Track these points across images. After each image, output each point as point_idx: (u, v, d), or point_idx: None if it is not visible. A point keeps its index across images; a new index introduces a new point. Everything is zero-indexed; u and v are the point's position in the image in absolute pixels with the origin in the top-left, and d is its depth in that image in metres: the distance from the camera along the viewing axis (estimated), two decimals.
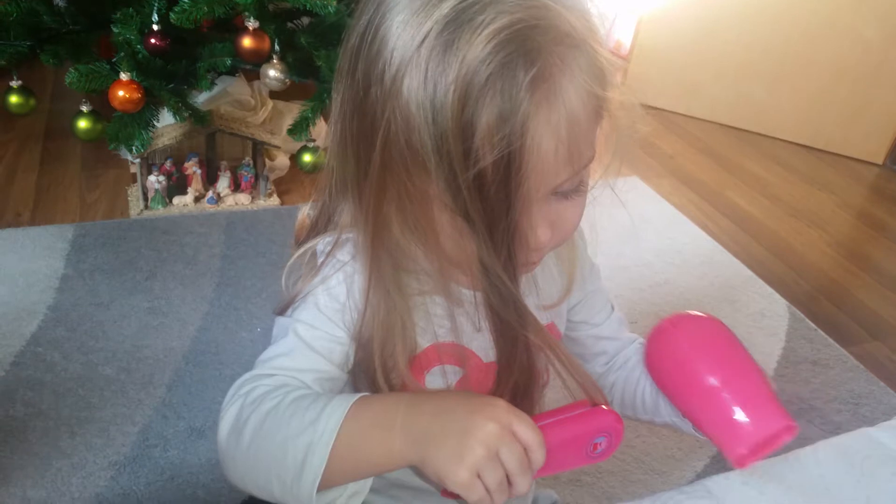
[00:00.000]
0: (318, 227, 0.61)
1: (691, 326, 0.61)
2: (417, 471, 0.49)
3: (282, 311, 0.61)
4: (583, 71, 0.49)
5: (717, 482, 0.61)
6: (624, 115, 0.56)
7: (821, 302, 1.82)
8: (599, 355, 0.75)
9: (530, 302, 0.65)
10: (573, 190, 0.53)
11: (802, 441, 0.67)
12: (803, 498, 0.61)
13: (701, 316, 0.61)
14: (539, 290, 0.67)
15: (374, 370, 0.58)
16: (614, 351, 0.75)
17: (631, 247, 1.88)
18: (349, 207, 0.58)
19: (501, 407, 0.48)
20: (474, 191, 0.48)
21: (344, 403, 0.50)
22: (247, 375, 0.57)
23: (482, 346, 0.63)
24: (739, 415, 0.56)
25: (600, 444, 0.52)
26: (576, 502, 1.19)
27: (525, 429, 0.47)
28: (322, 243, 0.60)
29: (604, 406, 0.54)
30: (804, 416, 1.44)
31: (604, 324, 0.74)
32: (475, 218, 0.49)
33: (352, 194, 0.55)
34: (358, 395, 0.51)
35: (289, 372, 0.56)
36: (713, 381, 0.57)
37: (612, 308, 0.75)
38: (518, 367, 0.59)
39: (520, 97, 0.45)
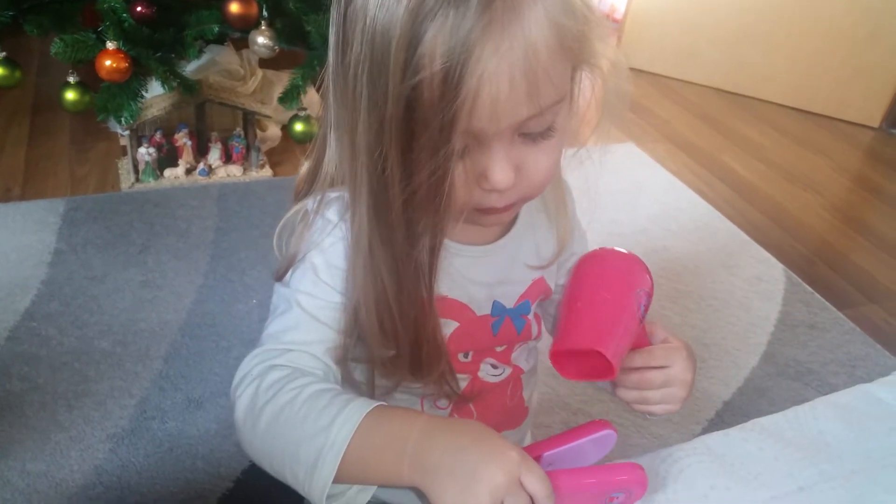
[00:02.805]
0: (312, 181, 0.61)
1: (605, 256, 0.63)
2: (419, 493, 0.49)
3: (280, 276, 0.60)
4: (554, 1, 0.47)
5: (717, 439, 0.61)
6: (611, 73, 0.55)
7: (817, 265, 1.82)
8: None
9: (520, 260, 0.66)
10: (540, 133, 0.52)
11: (800, 402, 0.67)
12: (802, 453, 0.61)
13: (620, 252, 0.63)
14: (532, 249, 0.67)
15: (368, 331, 0.58)
16: None
17: (626, 213, 1.87)
18: (334, 151, 0.57)
19: (513, 458, 0.47)
20: (402, 115, 0.46)
21: (357, 413, 0.50)
22: (258, 351, 0.56)
23: (474, 298, 0.64)
24: (569, 322, 0.58)
25: (617, 497, 0.51)
26: None
27: (534, 481, 0.47)
28: (311, 202, 0.60)
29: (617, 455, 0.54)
30: (801, 379, 1.44)
31: None
32: (392, 151, 0.48)
33: (335, 132, 0.55)
34: (372, 405, 0.50)
35: (298, 346, 0.56)
36: (577, 293, 0.60)
37: None
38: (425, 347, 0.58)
39: (469, 16, 0.44)
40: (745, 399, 1.38)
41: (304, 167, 0.62)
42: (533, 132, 0.51)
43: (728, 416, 1.34)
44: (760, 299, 1.65)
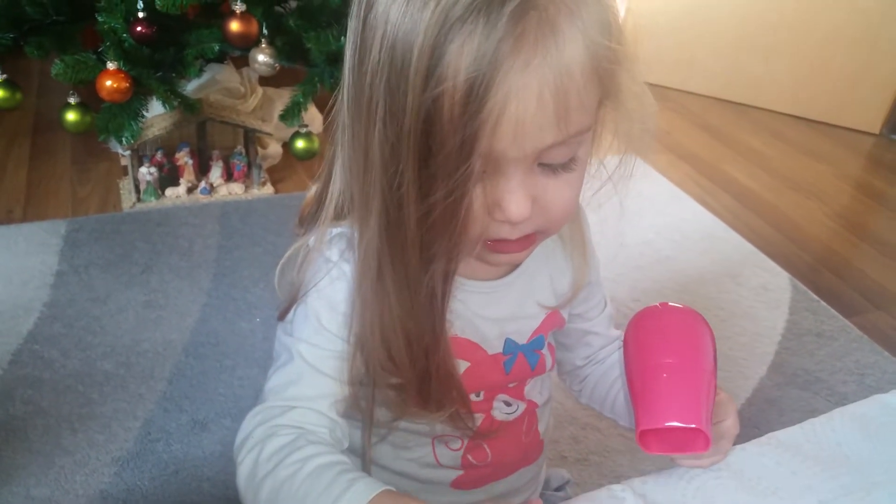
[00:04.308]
0: (319, 203, 0.58)
1: (669, 314, 0.61)
2: None
3: (282, 316, 0.58)
4: (591, 18, 0.45)
5: (734, 453, 0.60)
6: (637, 111, 0.52)
7: (823, 273, 1.81)
8: (583, 348, 0.74)
9: (533, 295, 0.63)
10: (562, 165, 0.48)
11: (811, 413, 0.66)
12: (821, 466, 0.60)
13: (681, 309, 0.61)
14: (546, 281, 0.64)
15: (373, 358, 0.55)
16: (598, 346, 0.73)
17: (630, 224, 1.85)
18: (341, 169, 0.54)
19: None
20: (420, 129, 0.43)
21: (358, 499, 0.46)
22: (260, 408, 0.54)
23: (486, 336, 0.61)
24: (660, 396, 0.55)
25: None
26: (584, 481, 1.19)
27: None
28: (313, 239, 0.57)
29: None
30: (810, 388, 1.43)
31: (596, 319, 0.72)
32: (409, 168, 0.44)
33: (346, 147, 0.52)
34: (373, 492, 0.47)
35: (301, 402, 0.54)
36: (657, 360, 0.56)
37: (606, 304, 0.73)
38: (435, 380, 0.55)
39: (500, 26, 0.41)
40: (755, 409, 1.37)
41: (313, 189, 0.59)
42: (554, 163, 0.48)
43: (739, 429, 1.33)
44: (767, 309, 1.64)
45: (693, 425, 0.53)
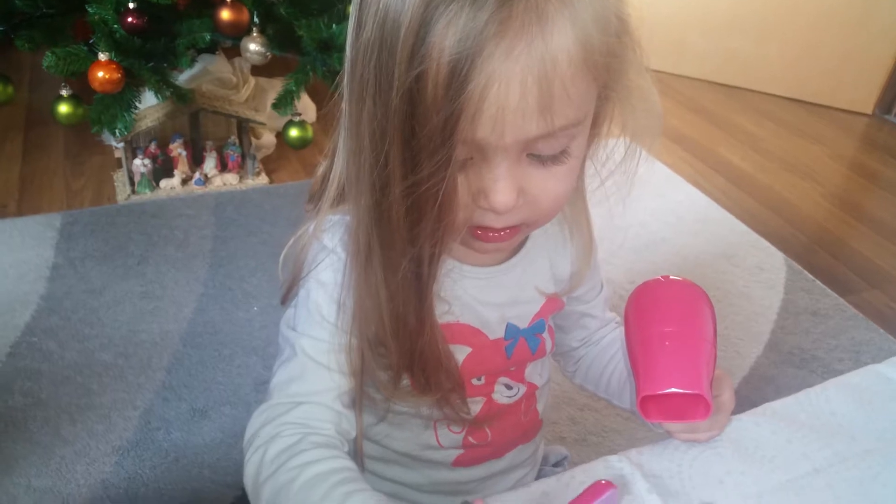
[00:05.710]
0: (324, 181, 0.58)
1: (669, 285, 0.61)
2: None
3: (284, 300, 0.59)
4: (585, 9, 0.43)
5: (730, 423, 0.61)
6: (641, 107, 0.51)
7: (818, 253, 1.82)
8: (579, 330, 0.74)
9: (533, 279, 0.63)
10: (552, 158, 0.47)
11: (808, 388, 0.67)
12: (816, 435, 0.60)
13: (681, 281, 0.61)
14: (545, 266, 0.64)
15: (376, 367, 0.56)
16: (594, 329, 0.74)
17: (626, 208, 1.86)
18: (342, 147, 0.54)
19: None
20: (405, 108, 0.43)
21: None
22: (265, 406, 0.54)
23: (487, 321, 0.61)
24: (661, 363, 0.55)
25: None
26: (583, 461, 1.19)
27: None
28: (312, 226, 0.57)
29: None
30: (806, 367, 1.44)
31: (592, 302, 0.72)
32: (394, 147, 0.44)
33: (344, 125, 0.52)
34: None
35: (306, 398, 0.54)
36: (658, 329, 0.57)
37: (602, 287, 0.73)
38: (422, 362, 0.55)
39: (486, 8, 0.40)
40: (751, 388, 1.38)
41: (321, 167, 0.59)
42: (543, 155, 0.47)
43: (735, 405, 1.33)
44: (762, 288, 1.64)
45: (695, 391, 0.53)
